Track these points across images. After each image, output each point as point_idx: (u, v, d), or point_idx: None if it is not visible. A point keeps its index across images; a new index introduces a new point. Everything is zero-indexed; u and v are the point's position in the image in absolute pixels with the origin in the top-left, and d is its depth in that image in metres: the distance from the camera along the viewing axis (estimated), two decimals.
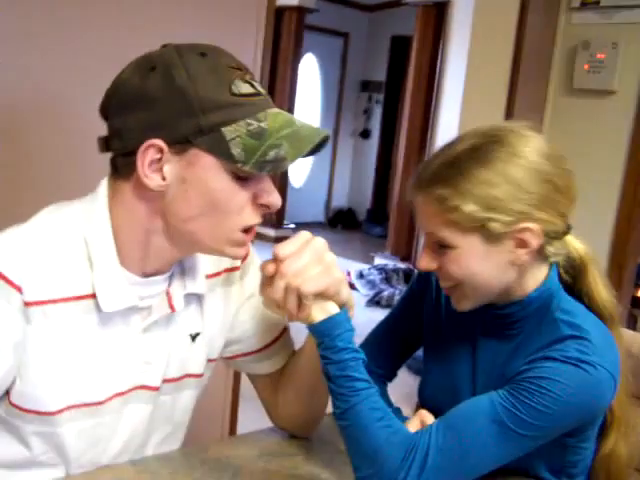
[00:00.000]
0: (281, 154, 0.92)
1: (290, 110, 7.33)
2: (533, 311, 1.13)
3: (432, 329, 1.29)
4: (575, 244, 1.17)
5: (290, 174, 8.09)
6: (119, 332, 1.02)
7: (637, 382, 1.30)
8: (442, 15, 5.20)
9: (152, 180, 0.94)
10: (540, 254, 1.11)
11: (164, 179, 0.94)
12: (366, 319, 2.18)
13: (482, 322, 1.19)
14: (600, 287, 1.17)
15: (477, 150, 1.07)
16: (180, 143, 0.92)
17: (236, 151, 0.91)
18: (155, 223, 0.98)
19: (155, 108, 0.92)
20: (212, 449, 1.17)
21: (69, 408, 1.00)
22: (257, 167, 0.92)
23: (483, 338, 1.19)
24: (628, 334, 1.39)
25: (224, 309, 1.15)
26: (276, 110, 0.97)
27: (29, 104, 1.62)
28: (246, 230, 0.99)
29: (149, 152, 0.92)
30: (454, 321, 1.24)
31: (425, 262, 1.13)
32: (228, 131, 0.92)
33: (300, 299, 0.99)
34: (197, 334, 1.11)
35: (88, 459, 1.05)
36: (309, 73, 8.27)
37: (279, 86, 7.24)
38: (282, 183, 7.30)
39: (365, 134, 8.87)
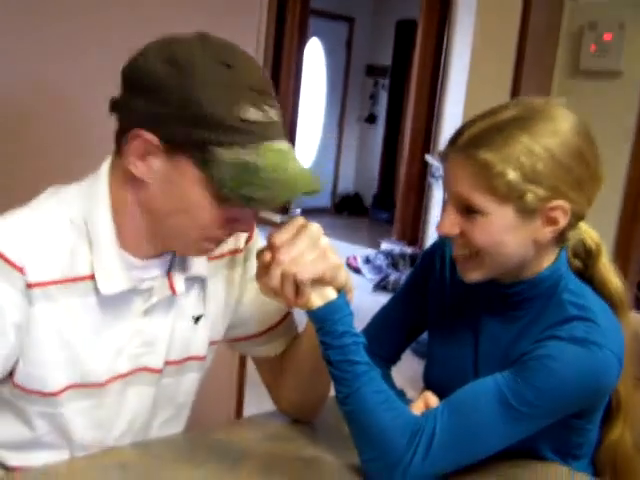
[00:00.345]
0: (266, 195, 0.92)
1: (295, 97, 7.30)
2: (542, 290, 1.12)
3: (437, 310, 1.28)
4: (589, 231, 1.18)
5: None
6: (120, 314, 1.02)
7: None
8: None
9: (136, 168, 0.94)
10: (560, 236, 1.10)
11: (149, 170, 0.94)
12: (373, 304, 2.17)
13: (487, 301, 1.18)
14: (611, 273, 1.18)
15: (521, 120, 1.05)
16: (172, 145, 0.92)
17: (223, 175, 0.90)
18: (138, 211, 0.98)
19: (160, 102, 0.91)
20: (216, 432, 1.18)
21: (70, 388, 1.00)
22: (239, 198, 0.92)
23: (487, 319, 1.18)
24: (635, 317, 1.38)
25: (227, 292, 1.15)
26: (277, 144, 0.94)
27: (30, 101, 1.61)
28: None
29: (137, 141, 0.92)
30: (458, 301, 1.23)
31: (447, 226, 1.09)
32: (220, 153, 0.90)
33: (297, 286, 0.99)
34: (200, 316, 1.11)
35: (91, 440, 1.05)
36: (314, 58, 8.23)
37: (284, 71, 7.20)
38: None
39: (371, 119, 8.83)
